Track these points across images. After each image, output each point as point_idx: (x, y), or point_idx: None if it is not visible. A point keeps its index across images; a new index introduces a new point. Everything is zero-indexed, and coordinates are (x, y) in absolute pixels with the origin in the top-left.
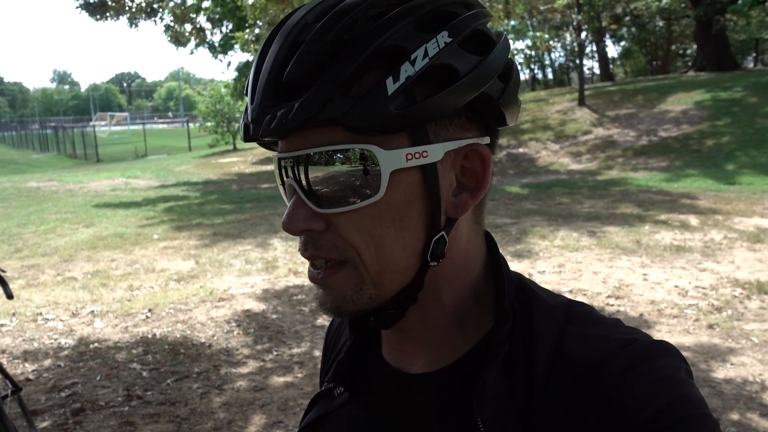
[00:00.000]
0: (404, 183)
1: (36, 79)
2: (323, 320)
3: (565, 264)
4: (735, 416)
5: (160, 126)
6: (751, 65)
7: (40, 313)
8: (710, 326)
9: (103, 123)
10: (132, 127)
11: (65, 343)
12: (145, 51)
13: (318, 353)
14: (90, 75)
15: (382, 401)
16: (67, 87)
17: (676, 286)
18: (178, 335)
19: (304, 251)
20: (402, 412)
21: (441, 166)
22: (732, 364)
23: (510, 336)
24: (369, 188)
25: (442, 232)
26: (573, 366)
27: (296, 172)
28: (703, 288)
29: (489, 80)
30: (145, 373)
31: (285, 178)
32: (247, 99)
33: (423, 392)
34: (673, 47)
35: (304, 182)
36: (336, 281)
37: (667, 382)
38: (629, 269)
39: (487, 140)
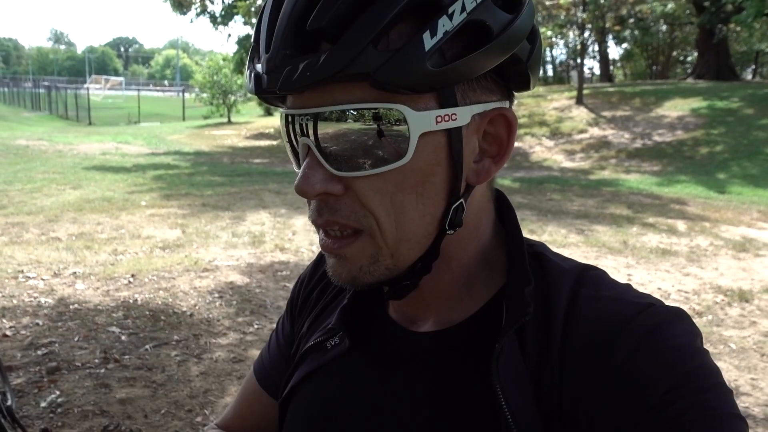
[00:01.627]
0: (430, 147)
1: (32, 37)
2: None
3: None
4: None
5: (155, 94)
6: (750, 77)
7: (22, 271)
8: None
9: (97, 86)
10: (126, 93)
11: (45, 302)
12: (144, 17)
13: None
14: (87, 37)
15: (384, 355)
16: (63, 47)
17: (659, 288)
18: (160, 302)
19: (318, 217)
20: (405, 369)
21: (466, 130)
22: None
23: (533, 297)
24: (395, 151)
25: (461, 200)
26: (587, 329)
27: (314, 131)
28: (686, 292)
29: (521, 41)
30: (123, 337)
31: (297, 137)
32: (261, 47)
33: (429, 350)
34: (674, 53)
35: (322, 142)
36: (351, 251)
37: (683, 351)
38: (614, 269)
39: (508, 104)
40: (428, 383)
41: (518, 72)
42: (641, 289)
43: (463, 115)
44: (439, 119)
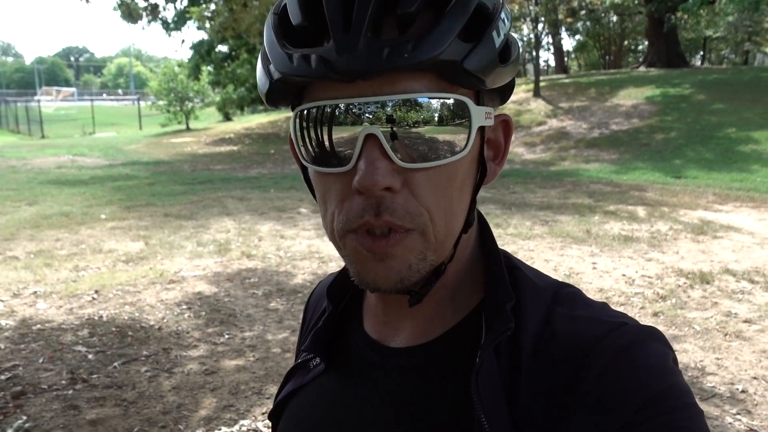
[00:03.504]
0: (475, 142)
1: None
2: (276, 304)
3: (517, 252)
4: None
5: (110, 103)
6: (699, 63)
7: None
8: (655, 314)
9: (49, 98)
10: (79, 103)
11: (5, 324)
12: (95, 25)
13: (271, 337)
14: (36, 47)
15: (359, 374)
16: (11, 59)
17: (624, 275)
18: (126, 317)
19: (375, 217)
20: (380, 387)
21: (487, 130)
22: (675, 350)
23: (514, 312)
24: (456, 143)
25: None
26: (562, 348)
27: (385, 119)
28: (649, 277)
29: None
30: (90, 356)
31: (356, 126)
32: (334, 28)
33: (406, 367)
34: (626, 43)
35: (394, 131)
36: (402, 249)
37: (656, 370)
38: (579, 258)
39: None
40: (405, 400)
41: (510, 86)
42: (606, 277)
43: (491, 116)
44: (487, 115)
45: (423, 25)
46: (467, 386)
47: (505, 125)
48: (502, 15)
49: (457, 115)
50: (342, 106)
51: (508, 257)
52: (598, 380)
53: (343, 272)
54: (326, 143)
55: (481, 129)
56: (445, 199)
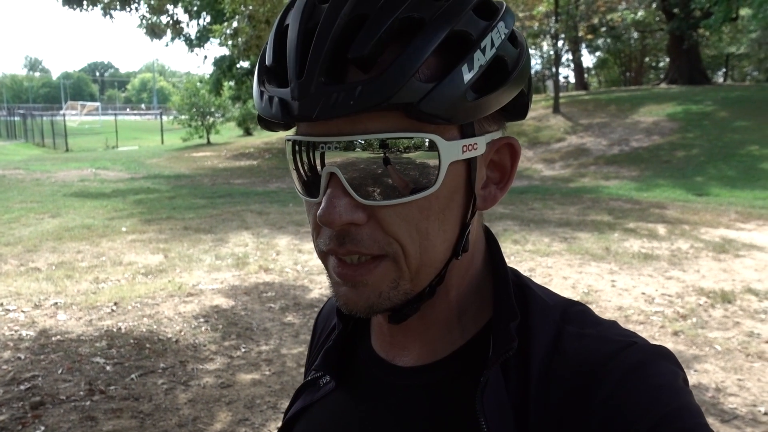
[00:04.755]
0: (452, 175)
1: (7, 65)
2: (292, 318)
3: (535, 268)
4: None
5: (133, 118)
6: (721, 80)
7: (1, 304)
8: (675, 333)
9: (73, 112)
10: (103, 118)
11: (26, 335)
12: (119, 41)
13: (286, 351)
14: (62, 63)
15: (369, 393)
16: (38, 74)
17: (643, 293)
18: (144, 330)
19: (338, 246)
20: (389, 406)
21: (480, 159)
22: (695, 370)
23: (518, 332)
24: (424, 179)
25: (469, 226)
26: (571, 366)
27: (343, 159)
28: (669, 296)
29: (528, 74)
30: (108, 368)
31: (319, 165)
32: (290, 72)
33: (414, 386)
34: (647, 59)
35: (351, 171)
36: (373, 277)
37: (666, 390)
38: (598, 275)
39: (506, 131)
40: (414, 419)
41: (521, 103)
42: (625, 295)
43: (481, 145)
44: (465, 148)
45: (383, 66)
46: (473, 405)
47: (511, 149)
48: (491, 37)
49: (425, 152)
50: (310, 143)
51: (518, 276)
52: (608, 399)
53: None
54: (302, 173)
55: (470, 160)
56: (419, 231)
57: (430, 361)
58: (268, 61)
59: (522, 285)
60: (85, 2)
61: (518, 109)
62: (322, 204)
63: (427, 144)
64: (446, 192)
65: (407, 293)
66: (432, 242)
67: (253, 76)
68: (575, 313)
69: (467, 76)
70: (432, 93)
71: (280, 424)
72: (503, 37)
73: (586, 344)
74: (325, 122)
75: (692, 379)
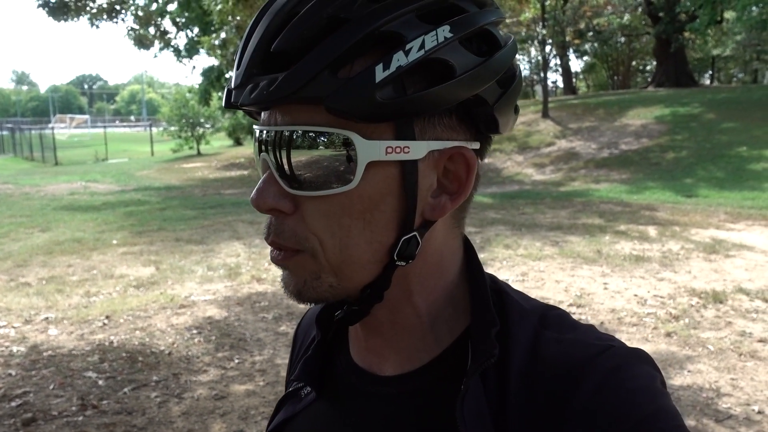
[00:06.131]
0: (380, 176)
1: None
2: (286, 327)
3: (528, 273)
4: (691, 422)
5: (122, 130)
6: (708, 82)
7: None
8: (668, 334)
9: (62, 125)
10: (93, 130)
11: (17, 350)
12: (107, 53)
13: (281, 361)
14: (50, 76)
15: (348, 402)
16: (26, 88)
17: (636, 295)
18: (137, 343)
19: (267, 235)
20: (369, 415)
21: (423, 164)
22: (689, 371)
23: (498, 338)
24: (343, 176)
25: (415, 233)
26: (549, 371)
27: (273, 147)
28: (661, 297)
29: (486, 83)
30: (101, 382)
31: (260, 152)
32: (235, 64)
33: (392, 395)
34: (634, 63)
35: (278, 159)
36: (293, 265)
37: (644, 393)
38: (590, 278)
39: (476, 145)
40: (393, 428)
41: (484, 113)
42: (618, 297)
43: (417, 150)
44: (389, 150)
45: (296, 61)
46: (454, 414)
47: (463, 159)
48: (423, 39)
49: (343, 149)
50: (256, 132)
51: (495, 281)
52: (586, 403)
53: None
54: (257, 161)
55: (405, 163)
56: (341, 227)
57: (407, 369)
58: (236, 54)
59: (499, 291)
60: (71, 13)
61: (484, 119)
62: (255, 188)
63: (344, 141)
64: (372, 192)
65: (333, 287)
66: (354, 241)
67: None
68: (553, 317)
69: (380, 75)
70: (340, 89)
71: None
72: (441, 40)
73: (564, 349)
74: (268, 112)
75: (686, 379)
